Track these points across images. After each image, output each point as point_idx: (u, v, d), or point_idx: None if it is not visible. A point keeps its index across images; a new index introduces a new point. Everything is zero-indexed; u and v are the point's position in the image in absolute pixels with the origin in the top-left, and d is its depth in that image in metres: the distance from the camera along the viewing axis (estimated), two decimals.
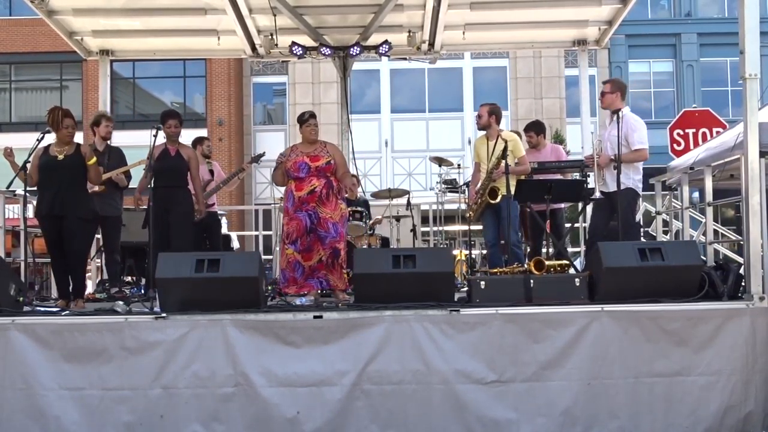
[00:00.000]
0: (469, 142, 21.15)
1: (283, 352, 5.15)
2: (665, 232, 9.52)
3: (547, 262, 5.97)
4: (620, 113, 6.33)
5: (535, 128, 8.04)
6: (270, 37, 8.57)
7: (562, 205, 8.04)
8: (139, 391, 5.10)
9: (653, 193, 9.13)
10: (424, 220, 12.03)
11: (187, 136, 7.33)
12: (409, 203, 9.72)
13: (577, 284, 5.53)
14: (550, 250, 6.68)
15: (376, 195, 9.90)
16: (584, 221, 8.89)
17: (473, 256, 9.89)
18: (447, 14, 8.07)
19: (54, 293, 7.05)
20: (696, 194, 11.78)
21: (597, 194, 6.52)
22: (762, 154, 5.53)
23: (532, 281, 5.54)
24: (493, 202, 6.89)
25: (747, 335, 5.22)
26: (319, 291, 6.46)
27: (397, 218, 9.76)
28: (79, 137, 6.60)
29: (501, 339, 5.17)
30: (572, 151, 13.85)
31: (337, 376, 5.11)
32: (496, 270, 6.22)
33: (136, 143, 9.85)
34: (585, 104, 9.13)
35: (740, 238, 6.67)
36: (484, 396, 5.11)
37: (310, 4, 8.28)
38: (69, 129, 6.24)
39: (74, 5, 8.14)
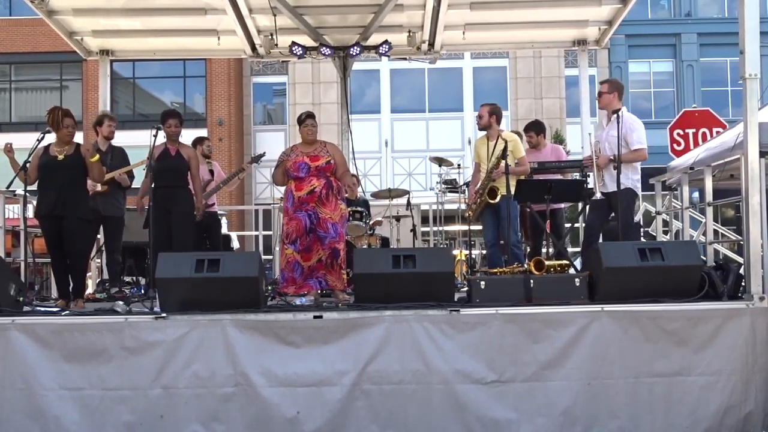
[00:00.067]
0: (469, 142, 21.15)
1: (283, 352, 5.15)
2: (665, 232, 9.52)
3: (547, 262, 5.97)
4: (620, 113, 6.33)
5: (535, 128, 8.05)
6: (270, 37, 8.57)
7: (562, 205, 8.04)
8: (139, 391, 5.10)
9: (653, 193, 9.13)
10: (424, 220, 12.04)
11: (187, 136, 7.32)
12: (409, 203, 9.72)
13: (577, 284, 5.52)
14: (550, 250, 6.68)
15: (376, 195, 9.90)
16: (584, 221, 8.87)
17: (473, 256, 9.89)
18: (447, 14, 8.06)
19: (54, 293, 7.04)
20: (696, 194, 11.78)
21: (598, 195, 6.52)
22: (762, 154, 5.53)
23: (532, 281, 5.53)
24: (492, 201, 6.89)
25: (747, 335, 5.22)
26: (318, 291, 6.45)
27: (397, 218, 9.75)
28: (79, 137, 6.60)
29: (501, 339, 5.17)
30: (572, 151, 13.84)
31: (337, 376, 5.11)
32: (496, 270, 6.21)
33: (136, 143, 9.84)
34: (585, 104, 9.10)
35: (740, 238, 6.67)
36: (484, 396, 5.11)
37: (310, 4, 8.27)
38: (69, 129, 6.24)
39: (74, 5, 8.13)
